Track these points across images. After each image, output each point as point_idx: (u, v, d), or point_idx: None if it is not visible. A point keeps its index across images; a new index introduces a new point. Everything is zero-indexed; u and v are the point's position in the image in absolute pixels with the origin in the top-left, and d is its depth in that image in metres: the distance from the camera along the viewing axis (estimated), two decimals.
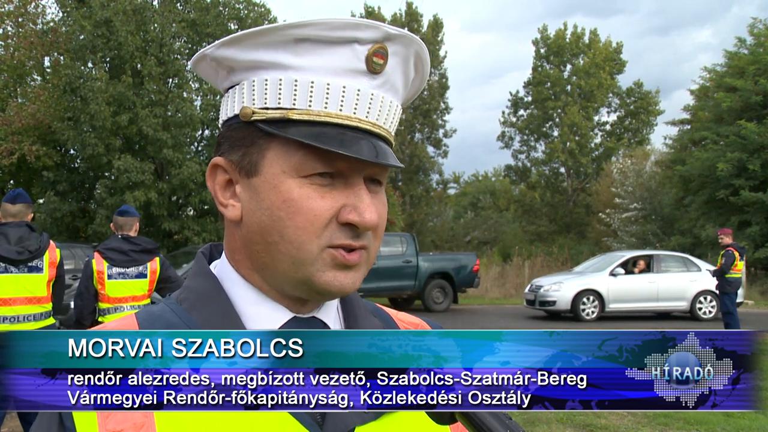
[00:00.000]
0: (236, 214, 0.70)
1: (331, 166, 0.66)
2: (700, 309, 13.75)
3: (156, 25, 16.91)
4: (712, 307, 13.59)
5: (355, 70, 0.66)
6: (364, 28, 0.66)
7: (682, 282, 13.77)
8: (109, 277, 4.23)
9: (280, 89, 0.66)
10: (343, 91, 0.66)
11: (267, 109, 0.66)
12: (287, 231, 0.66)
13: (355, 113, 0.67)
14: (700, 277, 13.69)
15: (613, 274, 13.74)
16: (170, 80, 17.47)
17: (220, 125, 0.74)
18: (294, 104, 0.66)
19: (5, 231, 4.08)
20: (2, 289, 4.04)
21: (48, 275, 4.23)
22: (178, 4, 18.08)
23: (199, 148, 18.66)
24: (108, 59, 17.20)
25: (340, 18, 0.65)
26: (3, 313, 4.03)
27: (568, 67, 36.87)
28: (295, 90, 0.66)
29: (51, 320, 4.30)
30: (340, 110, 0.66)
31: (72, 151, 17.84)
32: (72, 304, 5.12)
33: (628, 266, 14.06)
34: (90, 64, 17.34)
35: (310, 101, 0.65)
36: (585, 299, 13.55)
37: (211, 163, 0.72)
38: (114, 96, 15.81)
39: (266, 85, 0.67)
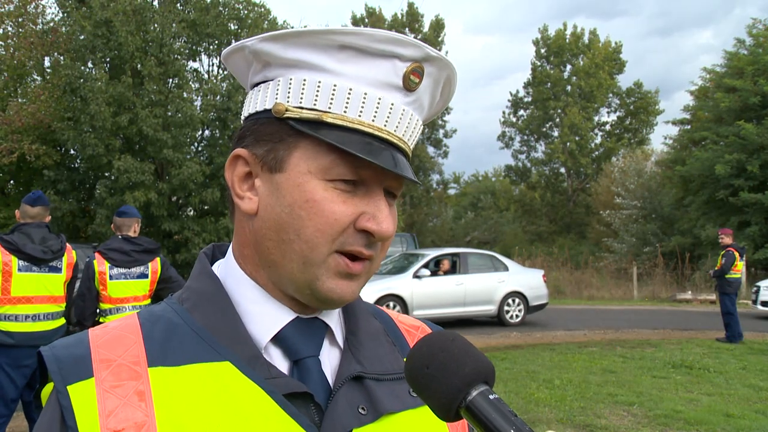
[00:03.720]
0: (252, 207, 0.70)
1: (356, 174, 0.67)
2: (508, 313, 12.59)
3: (156, 25, 16.90)
4: (520, 310, 12.61)
5: (392, 85, 0.68)
6: (406, 46, 0.67)
7: (490, 283, 12.50)
8: (111, 277, 4.23)
9: (317, 91, 0.67)
10: (378, 103, 0.67)
11: (302, 108, 0.67)
12: (305, 230, 0.66)
13: (385, 125, 0.68)
14: (508, 278, 12.64)
15: (417, 276, 12.07)
16: (170, 80, 17.47)
17: (243, 118, 0.75)
18: (329, 108, 0.66)
19: (27, 231, 4.18)
20: (25, 287, 4.13)
21: (66, 275, 4.34)
22: (178, 5, 18.06)
23: (200, 149, 18.65)
24: (108, 59, 17.20)
25: (385, 32, 0.66)
26: (26, 311, 4.12)
27: (568, 67, 36.90)
28: (333, 94, 0.66)
29: (63, 320, 4.36)
30: (373, 120, 0.67)
31: (72, 151, 17.85)
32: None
33: (431, 266, 12.56)
34: (90, 65, 17.35)
35: (346, 107, 0.66)
36: (386, 306, 11.80)
37: (232, 153, 0.73)
38: (114, 96, 15.81)
39: (304, 85, 0.67)
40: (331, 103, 0.66)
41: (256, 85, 0.73)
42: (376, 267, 0.72)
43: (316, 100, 0.67)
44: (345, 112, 0.66)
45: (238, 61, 0.74)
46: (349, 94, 0.66)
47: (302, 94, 0.67)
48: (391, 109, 0.68)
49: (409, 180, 0.69)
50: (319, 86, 0.67)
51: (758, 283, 15.02)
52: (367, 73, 0.67)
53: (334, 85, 0.66)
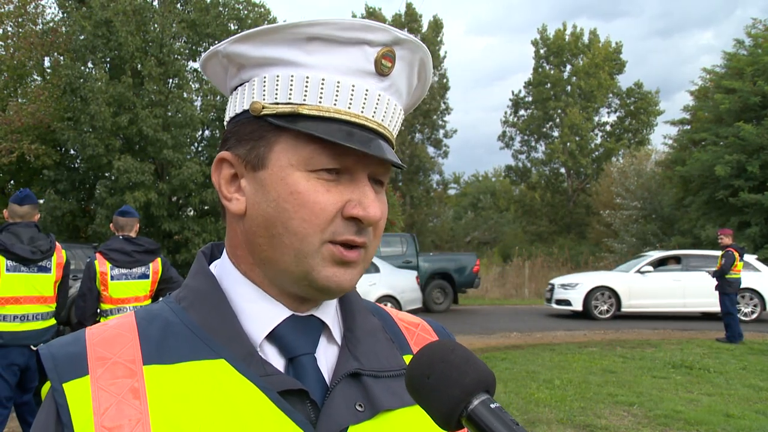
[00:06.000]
0: (240, 207, 0.71)
1: (338, 162, 0.67)
2: None
3: (156, 25, 16.92)
4: None
5: (364, 71, 0.68)
6: (374, 31, 0.67)
7: (360, 286, 11.55)
8: (113, 278, 4.23)
9: (291, 85, 0.67)
10: (352, 90, 0.67)
11: (277, 104, 0.68)
12: (292, 223, 0.67)
13: (362, 112, 0.68)
14: (380, 280, 11.85)
15: None
16: (170, 80, 17.48)
17: (226, 123, 0.75)
18: (304, 100, 0.67)
19: (16, 231, 4.14)
20: (14, 287, 4.10)
21: (55, 275, 4.30)
22: (178, 5, 18.07)
23: (200, 149, 18.66)
24: (108, 59, 17.21)
25: (351, 19, 0.66)
26: (14, 311, 4.09)
27: (568, 67, 36.89)
28: (306, 86, 0.67)
29: (53, 321, 4.34)
30: (349, 108, 0.67)
31: (72, 151, 17.86)
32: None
33: None
34: (90, 65, 17.35)
35: (321, 97, 0.67)
36: None
37: (217, 157, 0.73)
38: (114, 96, 15.82)
39: (277, 81, 0.68)
40: (305, 95, 0.67)
41: (235, 89, 0.73)
42: (371, 254, 0.72)
43: (290, 94, 0.67)
44: (320, 102, 0.67)
45: (215, 68, 0.75)
46: (322, 84, 0.67)
47: (277, 90, 0.68)
48: (366, 95, 0.68)
49: (393, 164, 0.69)
50: (292, 80, 0.67)
51: (552, 281, 15.07)
52: (338, 62, 0.67)
53: (307, 77, 0.67)
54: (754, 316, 13.46)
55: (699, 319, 13.56)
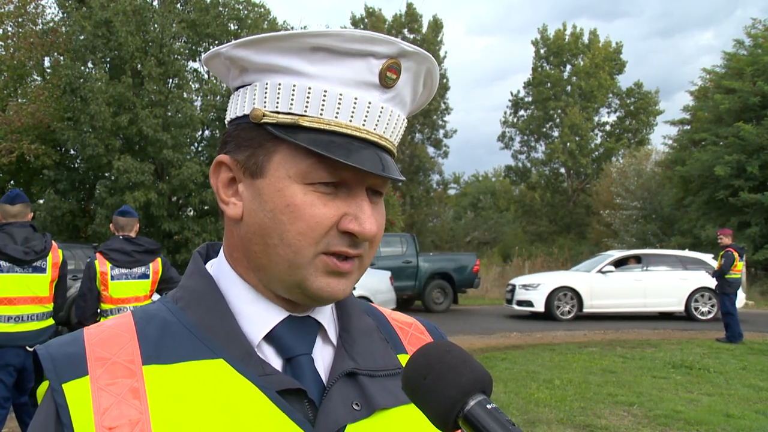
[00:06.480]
0: (237, 212, 0.71)
1: (336, 176, 0.67)
2: None
3: (156, 25, 16.91)
4: None
5: (368, 83, 0.68)
6: (380, 43, 0.66)
7: None
8: (113, 278, 4.23)
9: (293, 95, 0.67)
10: (355, 103, 0.67)
11: (278, 113, 0.67)
12: (288, 235, 0.67)
13: (364, 125, 0.67)
14: None
15: None
16: (170, 80, 17.47)
17: (226, 123, 0.75)
18: (305, 111, 0.66)
19: (10, 231, 4.11)
20: (7, 288, 4.07)
21: (51, 276, 4.26)
22: (178, 5, 18.07)
23: (200, 149, 18.66)
24: (108, 59, 17.20)
25: (357, 31, 0.66)
26: (7, 312, 4.06)
27: (568, 67, 36.88)
28: (308, 97, 0.66)
29: (51, 321, 4.32)
30: (350, 121, 0.67)
31: (72, 151, 17.86)
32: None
33: None
34: (90, 65, 17.35)
35: (322, 110, 0.66)
36: None
37: (215, 160, 0.73)
38: (114, 96, 15.81)
39: (279, 89, 0.67)
40: (306, 106, 0.66)
41: (237, 89, 0.73)
42: (366, 264, 0.72)
43: (291, 103, 0.67)
44: (321, 114, 0.66)
45: (218, 67, 0.75)
46: (324, 95, 0.66)
47: (278, 98, 0.67)
48: (368, 107, 0.67)
49: (392, 179, 0.69)
50: (294, 90, 0.67)
51: (512, 281, 14.80)
52: (342, 74, 0.67)
53: (309, 88, 0.66)
54: (711, 315, 13.36)
55: (699, 319, 13.54)
